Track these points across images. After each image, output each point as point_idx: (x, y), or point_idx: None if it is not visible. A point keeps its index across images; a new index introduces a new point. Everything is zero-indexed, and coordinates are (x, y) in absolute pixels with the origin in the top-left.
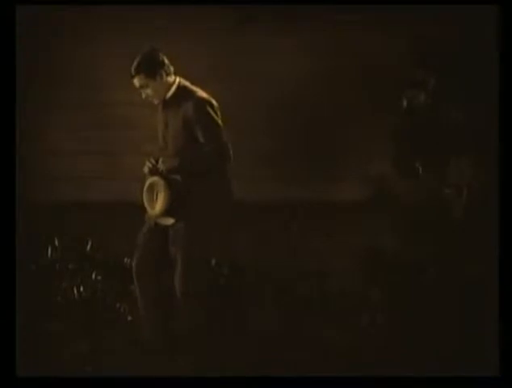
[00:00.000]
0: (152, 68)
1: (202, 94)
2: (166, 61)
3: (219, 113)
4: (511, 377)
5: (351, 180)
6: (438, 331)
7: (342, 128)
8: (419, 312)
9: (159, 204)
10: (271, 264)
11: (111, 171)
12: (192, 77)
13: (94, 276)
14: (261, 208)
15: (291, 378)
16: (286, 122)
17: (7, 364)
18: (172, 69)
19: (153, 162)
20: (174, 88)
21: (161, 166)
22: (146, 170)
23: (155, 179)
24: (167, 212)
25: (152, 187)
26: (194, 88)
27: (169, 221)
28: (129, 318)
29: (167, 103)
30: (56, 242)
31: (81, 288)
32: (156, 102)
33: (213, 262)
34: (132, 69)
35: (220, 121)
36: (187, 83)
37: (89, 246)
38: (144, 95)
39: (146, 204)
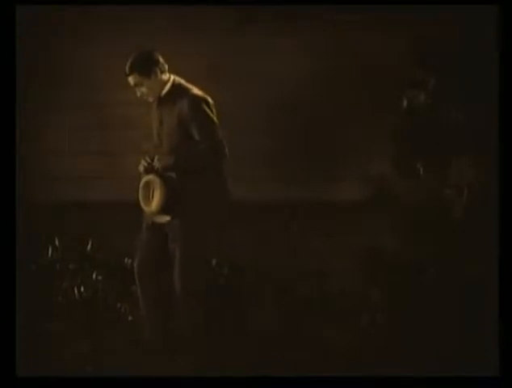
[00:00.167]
0: (146, 66)
1: (197, 91)
2: (161, 59)
3: (214, 111)
4: (511, 377)
5: (351, 180)
6: (438, 331)
7: (342, 128)
8: (419, 312)
9: (155, 202)
10: (271, 264)
11: (111, 171)
12: (192, 77)
13: (94, 275)
14: (261, 208)
15: (291, 378)
16: (286, 122)
17: (7, 364)
18: (166, 66)
19: (149, 160)
20: (168, 86)
21: (156, 164)
22: (141, 168)
23: (150, 177)
24: (163, 210)
25: (147, 185)
26: (189, 86)
27: (165, 218)
28: (130, 318)
29: (162, 101)
30: (57, 242)
31: (82, 288)
32: (150, 100)
33: (213, 262)
34: (127, 68)
35: (215, 119)
36: (182, 81)
37: (89, 246)
38: (138, 93)
39: (142, 203)
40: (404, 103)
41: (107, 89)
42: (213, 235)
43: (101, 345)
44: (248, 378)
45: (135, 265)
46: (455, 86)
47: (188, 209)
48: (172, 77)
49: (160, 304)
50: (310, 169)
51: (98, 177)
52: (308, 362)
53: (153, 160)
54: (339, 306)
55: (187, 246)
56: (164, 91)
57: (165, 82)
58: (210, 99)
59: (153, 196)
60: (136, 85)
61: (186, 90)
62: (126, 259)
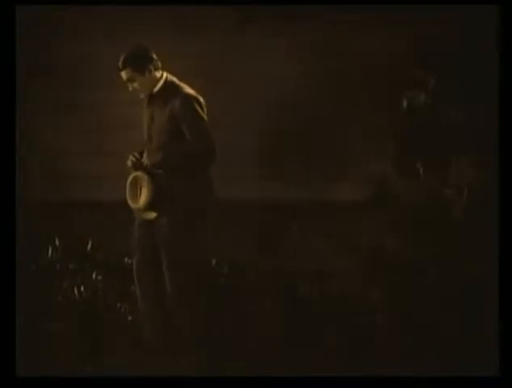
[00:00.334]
0: (140, 62)
1: (189, 90)
2: (154, 55)
3: (205, 110)
4: (511, 377)
5: (351, 180)
6: (438, 331)
7: (342, 128)
8: (419, 312)
9: (143, 199)
10: (271, 264)
11: (111, 171)
12: (192, 76)
13: (94, 275)
14: (261, 208)
15: (291, 378)
16: (286, 122)
17: (7, 364)
18: (160, 64)
19: (137, 156)
20: (161, 83)
21: (145, 160)
22: (130, 164)
23: (138, 173)
24: (150, 206)
25: (135, 181)
26: (181, 84)
27: (153, 215)
28: (130, 318)
29: (154, 98)
30: (57, 242)
31: (82, 288)
32: (142, 96)
33: (213, 262)
34: (120, 63)
35: (205, 117)
36: (175, 79)
37: (89, 246)
38: (130, 88)
39: (129, 199)
40: (405, 103)
41: (107, 89)
42: (202, 234)
43: (101, 345)
44: (248, 378)
45: (133, 264)
46: (455, 86)
47: (176, 207)
48: (165, 74)
49: (159, 303)
50: (310, 169)
51: (98, 177)
52: (308, 362)
53: (141, 156)
54: (339, 306)
55: (175, 244)
56: (156, 88)
57: (158, 80)
58: (201, 99)
59: (140, 193)
60: (128, 80)
61: (178, 89)
62: (126, 259)
